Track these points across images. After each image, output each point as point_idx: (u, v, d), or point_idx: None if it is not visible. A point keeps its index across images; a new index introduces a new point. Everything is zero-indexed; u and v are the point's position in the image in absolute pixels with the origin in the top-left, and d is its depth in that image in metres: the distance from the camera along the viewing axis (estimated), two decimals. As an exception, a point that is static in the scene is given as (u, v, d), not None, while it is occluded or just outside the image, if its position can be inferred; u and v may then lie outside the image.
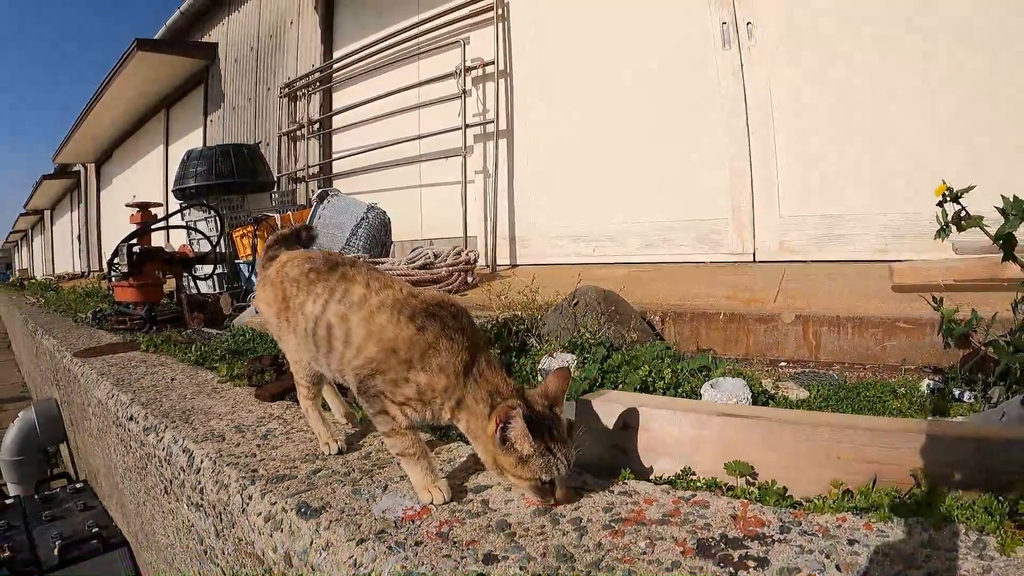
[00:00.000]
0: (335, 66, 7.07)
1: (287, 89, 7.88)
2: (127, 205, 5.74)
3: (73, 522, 2.89)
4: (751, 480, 1.06)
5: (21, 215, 34.72)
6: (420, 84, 5.88)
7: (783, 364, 2.33)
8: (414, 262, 4.22)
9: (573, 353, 2.25)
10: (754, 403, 1.68)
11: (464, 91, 5.25)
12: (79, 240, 20.33)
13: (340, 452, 1.36)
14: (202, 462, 1.43)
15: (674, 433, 1.15)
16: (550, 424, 1.05)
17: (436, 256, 4.50)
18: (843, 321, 2.31)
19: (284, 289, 1.35)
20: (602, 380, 1.94)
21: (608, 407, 1.24)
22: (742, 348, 2.45)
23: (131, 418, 1.94)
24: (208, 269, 6.73)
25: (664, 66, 4.29)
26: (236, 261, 6.55)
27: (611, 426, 1.22)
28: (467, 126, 5.24)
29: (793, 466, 1.05)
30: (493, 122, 5.13)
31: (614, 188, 4.51)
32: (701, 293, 3.02)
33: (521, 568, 0.84)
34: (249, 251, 6.39)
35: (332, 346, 1.22)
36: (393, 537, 0.95)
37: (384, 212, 5.14)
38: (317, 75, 7.38)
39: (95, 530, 2.71)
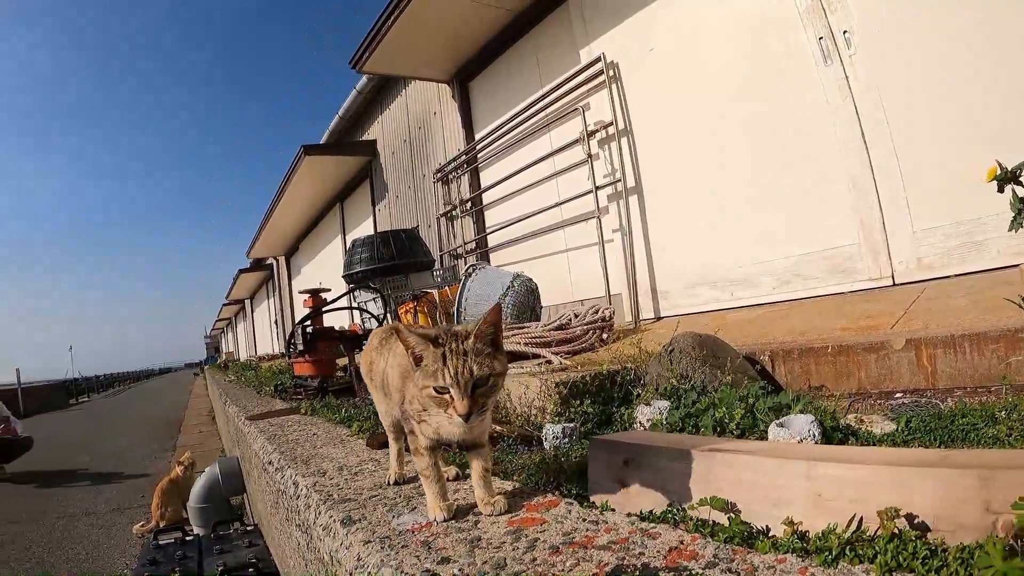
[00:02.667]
0: (477, 147, 7.66)
1: (439, 173, 8.58)
2: (299, 292, 6.51)
3: (237, 555, 3.47)
4: (734, 516, 1.14)
5: (224, 304, 39.79)
6: (553, 153, 6.26)
7: (898, 396, 2.25)
8: (550, 324, 4.48)
9: (669, 399, 2.39)
10: (827, 440, 1.73)
11: (590, 155, 5.55)
12: (275, 324, 22.74)
13: (396, 483, 1.66)
14: (301, 490, 1.82)
15: (670, 469, 1.28)
16: (450, 344, 1.25)
17: (575, 316, 4.73)
18: (958, 340, 2.20)
19: (370, 356, 1.68)
20: (683, 423, 2.07)
21: (614, 446, 1.40)
22: (854, 382, 2.41)
23: (270, 462, 2.42)
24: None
25: (771, 97, 4.31)
26: (402, 336, 7.15)
27: (617, 463, 1.38)
28: (597, 188, 5.51)
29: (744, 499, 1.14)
30: (621, 180, 5.37)
31: (741, 231, 4.55)
32: (818, 327, 3.00)
33: (460, 570, 1.06)
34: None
35: (388, 391, 1.53)
36: (390, 542, 1.23)
37: (530, 280, 5.46)
38: (463, 158, 8.01)
39: (252, 560, 3.20)
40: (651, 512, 1.21)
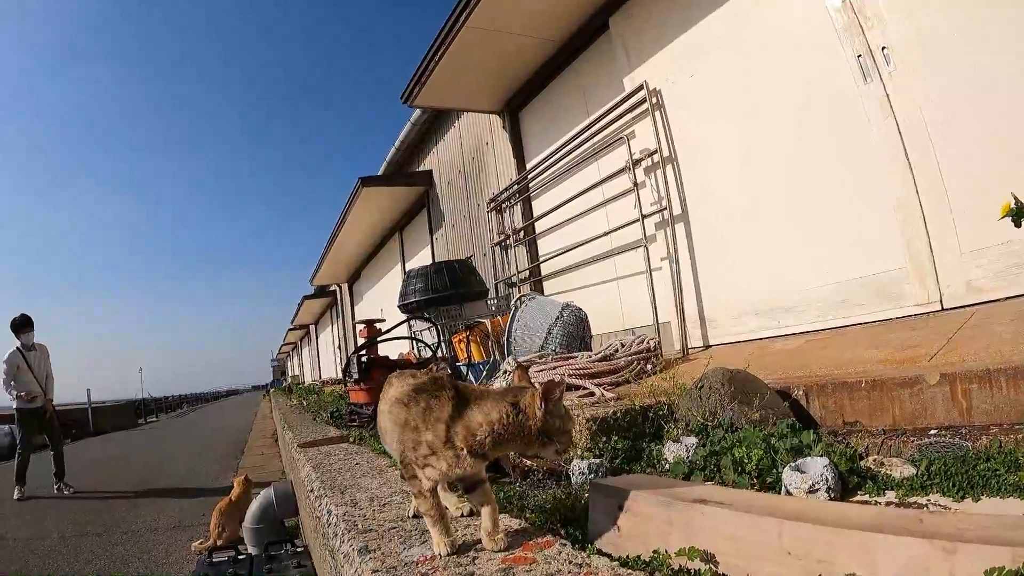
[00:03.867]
0: (529, 176, 7.77)
1: (492, 203, 8.72)
2: (355, 323, 6.68)
3: (286, 575, 3.61)
4: (711, 568, 1.19)
5: (289, 329, 41.03)
6: (601, 182, 6.32)
7: (932, 432, 2.19)
8: (595, 355, 4.51)
9: (698, 436, 2.40)
10: (843, 485, 1.73)
11: (636, 183, 5.58)
12: (338, 349, 23.31)
13: (415, 516, 1.73)
14: (332, 518, 1.93)
15: (657, 517, 1.32)
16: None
17: (621, 346, 4.75)
18: (994, 374, 2.12)
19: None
20: (705, 463, 2.08)
21: (611, 491, 1.45)
22: (888, 417, 2.36)
23: (311, 490, 2.57)
24: (431, 374, 7.52)
25: (812, 119, 4.27)
26: (457, 364, 7.26)
27: (613, 507, 1.42)
28: (644, 216, 5.53)
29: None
30: (667, 209, 5.38)
31: (786, 257, 4.49)
32: (857, 358, 2.95)
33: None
34: (465, 354, 7.08)
35: (386, 437, 1.62)
36: (395, 572, 1.33)
37: (579, 309, 5.51)
38: (515, 187, 8.13)
39: None
40: (638, 557, 1.25)
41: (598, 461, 2.37)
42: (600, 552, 1.35)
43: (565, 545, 1.37)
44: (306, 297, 26.78)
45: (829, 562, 1.02)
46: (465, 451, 1.39)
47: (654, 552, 1.23)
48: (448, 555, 1.39)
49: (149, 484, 8.76)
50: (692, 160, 5.29)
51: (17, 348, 8.50)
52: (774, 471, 1.89)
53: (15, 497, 7.93)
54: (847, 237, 4.09)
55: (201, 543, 5.08)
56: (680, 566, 1.19)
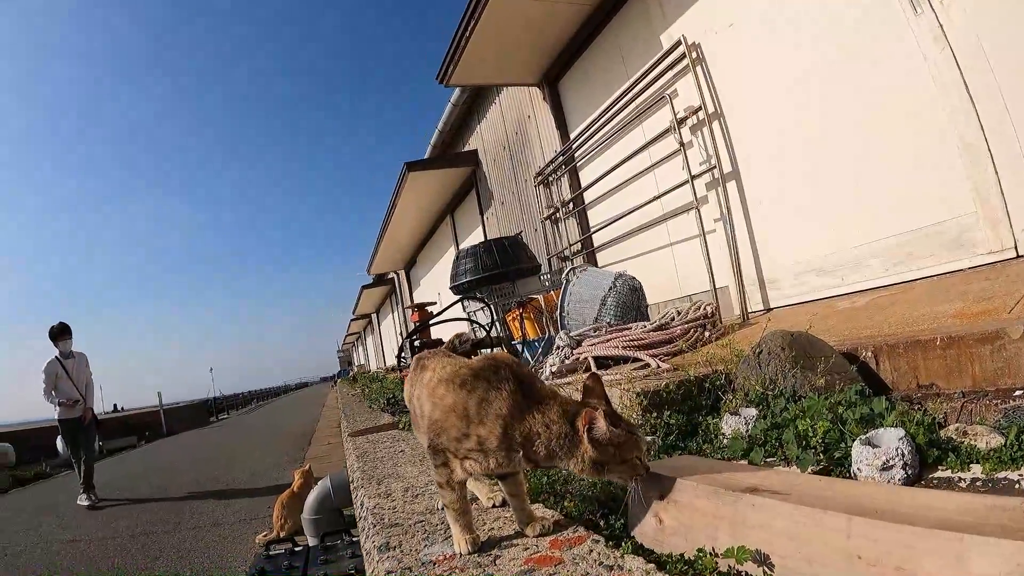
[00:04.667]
0: (573, 146, 7.56)
1: (539, 177, 8.54)
2: (405, 307, 6.65)
3: (340, 565, 3.60)
4: (765, 571, 1.03)
5: (352, 320, 41.75)
6: (647, 145, 6.08)
7: (1017, 393, 1.96)
8: (649, 325, 4.33)
9: (758, 407, 2.22)
10: (921, 460, 1.53)
11: (682, 143, 5.33)
12: (399, 336, 23.54)
13: (443, 509, 1.60)
14: (364, 511, 1.86)
15: (702, 509, 1.16)
16: (615, 415, 1.26)
17: (678, 314, 4.56)
18: None
19: (408, 384, 1.65)
20: (765, 437, 1.91)
21: (651, 477, 1.29)
22: (967, 379, 2.11)
23: (351, 480, 2.47)
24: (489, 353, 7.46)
25: (861, 58, 3.94)
26: (512, 342, 7.16)
27: (654, 496, 1.27)
28: (693, 177, 5.28)
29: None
30: (716, 167, 5.12)
31: (846, 209, 4.19)
32: (929, 313, 2.69)
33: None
34: (520, 332, 6.97)
35: (418, 420, 1.49)
36: (412, 572, 1.24)
37: (632, 278, 5.33)
38: (560, 159, 7.93)
39: (352, 571, 3.28)
40: (681, 556, 1.11)
41: (649, 439, 2.22)
42: (639, 549, 1.21)
43: (598, 542, 1.23)
44: (364, 287, 27.04)
45: (910, 571, 0.84)
46: (520, 455, 1.28)
47: (698, 551, 1.07)
48: (469, 554, 1.29)
49: (217, 480, 9.00)
50: (739, 114, 5.01)
51: (56, 357, 8.61)
52: (842, 445, 1.71)
53: (85, 504, 8.14)
54: (909, 184, 3.76)
55: (265, 535, 5.15)
56: (729, 568, 1.03)
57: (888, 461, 1.48)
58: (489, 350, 7.45)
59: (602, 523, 1.46)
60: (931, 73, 3.52)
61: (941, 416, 1.90)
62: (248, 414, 35.18)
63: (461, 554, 1.29)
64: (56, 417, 8.56)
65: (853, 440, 1.63)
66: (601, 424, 1.21)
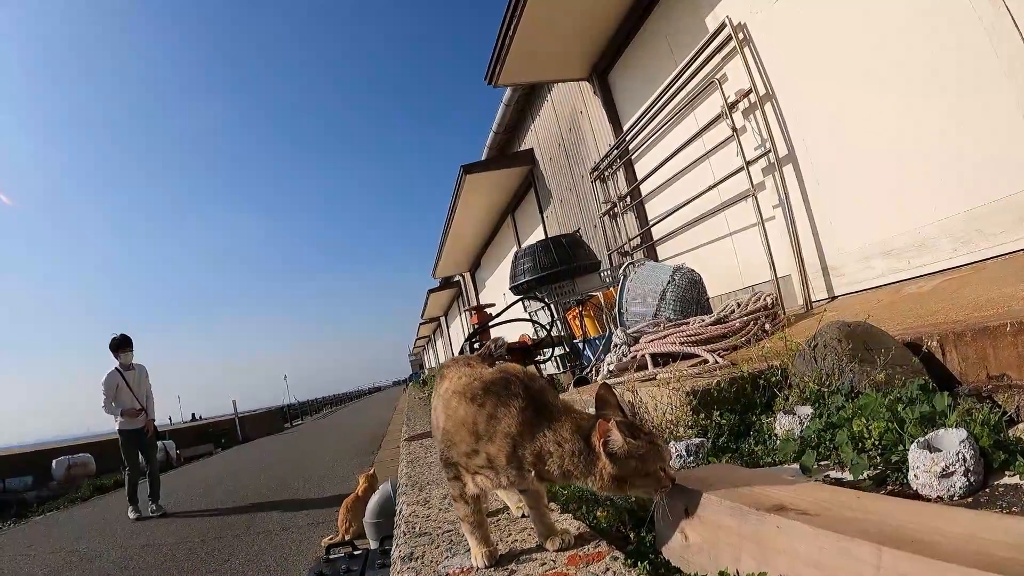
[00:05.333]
0: (627, 139, 7.41)
1: (595, 172, 8.41)
2: (464, 310, 6.61)
3: None
4: None
5: (420, 323, 42.32)
6: (700, 132, 5.89)
7: None
8: (708, 319, 4.18)
9: (813, 405, 2.07)
10: (987, 465, 1.37)
11: (735, 128, 5.13)
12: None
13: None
14: (400, 519, 1.84)
15: (724, 527, 1.05)
16: (633, 425, 1.18)
17: (738, 305, 4.39)
18: None
19: (433, 392, 1.60)
20: (819, 438, 1.77)
21: (676, 489, 1.18)
22: None
23: (396, 485, 2.42)
24: (550, 352, 7.39)
25: (923, 23, 3.66)
26: (574, 341, 7.06)
27: (680, 510, 1.16)
28: (748, 163, 5.08)
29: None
30: (771, 151, 4.90)
31: (910, 187, 3.91)
32: (1001, 296, 2.46)
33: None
34: (580, 330, 6.87)
35: (435, 431, 1.45)
36: None
37: (692, 271, 5.18)
38: (615, 152, 7.78)
39: None
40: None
41: (698, 441, 2.10)
42: (664, 567, 1.12)
43: (616, 559, 1.15)
44: (431, 290, 27.27)
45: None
46: (533, 474, 1.21)
47: (720, 574, 0.98)
48: (485, 567, 1.26)
49: (288, 485, 9.19)
50: (792, 94, 4.77)
51: (116, 368, 8.71)
52: (900, 448, 1.56)
53: (131, 517, 8.30)
54: (978, 155, 3.47)
55: (331, 538, 5.20)
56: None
57: (948, 467, 1.33)
58: (550, 350, 7.39)
59: (632, 536, 1.37)
60: (990, 35, 3.26)
61: (1012, 411, 1.72)
62: (322, 419, 36.01)
63: (477, 568, 1.27)
64: (117, 428, 8.66)
65: (911, 442, 1.48)
66: (617, 436, 1.13)
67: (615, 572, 1.10)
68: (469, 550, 1.34)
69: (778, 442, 1.96)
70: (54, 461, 14.91)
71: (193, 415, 43.58)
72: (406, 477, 2.48)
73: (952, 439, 1.40)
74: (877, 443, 1.59)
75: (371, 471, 5.82)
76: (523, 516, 1.56)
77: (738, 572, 0.97)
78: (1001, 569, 0.70)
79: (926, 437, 1.46)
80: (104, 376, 8.63)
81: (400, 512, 1.93)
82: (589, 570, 1.12)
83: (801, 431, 1.91)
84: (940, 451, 1.38)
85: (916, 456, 1.40)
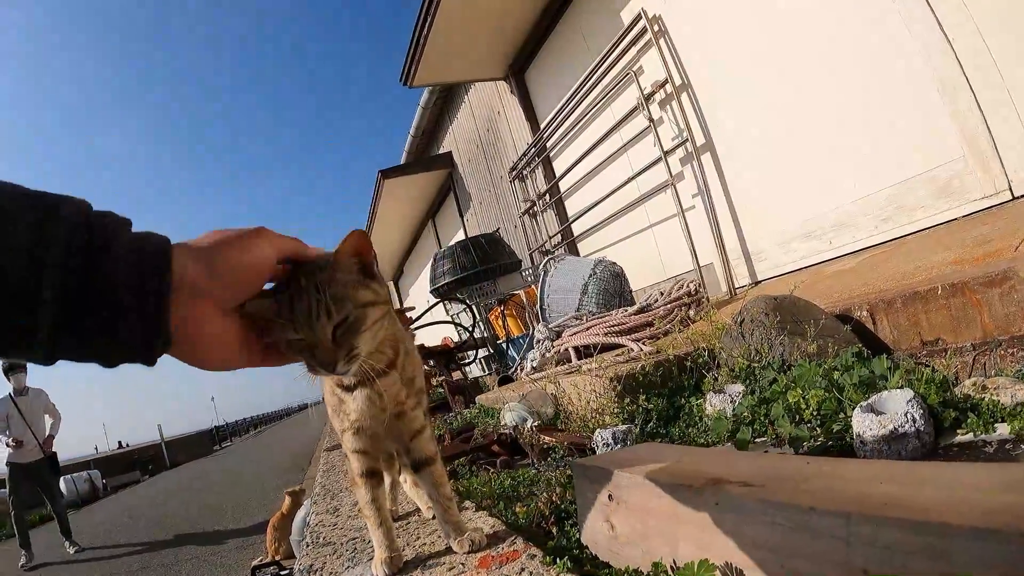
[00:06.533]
0: (545, 137, 7.29)
1: (514, 172, 8.27)
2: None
3: None
4: None
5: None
6: (616, 126, 5.82)
7: None
8: (631, 309, 4.07)
9: (744, 383, 1.95)
10: (937, 424, 1.26)
11: (651, 119, 5.06)
12: (413, 348, 23.45)
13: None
14: (307, 530, 1.68)
15: (657, 510, 0.87)
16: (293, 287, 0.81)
17: (661, 294, 4.31)
18: None
19: None
20: (753, 414, 1.63)
21: (597, 474, 1.01)
22: (976, 329, 1.85)
23: (312, 497, 2.25)
24: (473, 355, 7.21)
25: (829, 7, 3.69)
26: (498, 341, 6.90)
27: (603, 498, 0.99)
28: (666, 153, 5.02)
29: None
30: (688, 140, 4.85)
31: (828, 168, 3.90)
32: (927, 264, 2.41)
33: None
34: (503, 330, 6.70)
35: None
36: None
37: (614, 264, 5.08)
38: (532, 150, 7.66)
39: None
40: (635, 572, 0.82)
41: (624, 428, 1.95)
42: (588, 562, 0.94)
43: (534, 558, 0.97)
44: (353, 303, 26.79)
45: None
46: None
47: (654, 566, 0.79)
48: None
49: (217, 508, 8.77)
50: (707, 83, 4.74)
51: (9, 395, 7.85)
52: (841, 415, 1.43)
53: (20, 565, 7.48)
54: (894, 133, 3.47)
55: (260, 559, 4.92)
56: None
57: (897, 429, 1.19)
58: (474, 352, 7.20)
59: (555, 530, 1.19)
60: (897, 16, 3.26)
61: (952, 374, 1.63)
62: (251, 439, 35.12)
63: None
64: (5, 460, 7.82)
65: (853, 409, 1.35)
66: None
67: (531, 572, 0.91)
68: (369, 559, 1.16)
69: (710, 422, 1.82)
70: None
71: (119, 443, 41.79)
72: (320, 487, 2.26)
73: (898, 400, 1.27)
74: (816, 413, 1.46)
75: (297, 488, 5.52)
76: (434, 517, 1.37)
77: (675, 562, 0.79)
78: (1011, 512, 0.54)
79: (869, 401, 1.33)
80: None
81: (308, 523, 1.73)
82: (502, 572, 0.93)
83: (733, 409, 1.78)
84: (886, 413, 1.25)
85: (861, 421, 1.26)
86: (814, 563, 0.62)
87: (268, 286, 0.76)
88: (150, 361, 0.58)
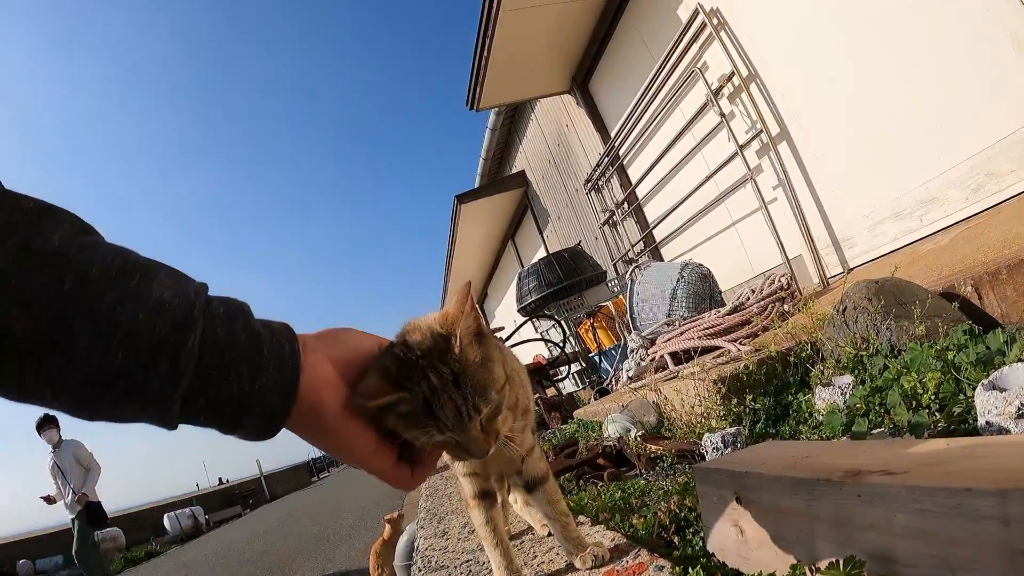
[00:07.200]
0: (615, 145, 7.27)
1: (588, 183, 8.28)
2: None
3: None
4: None
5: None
6: (688, 125, 5.75)
7: None
8: (723, 310, 4.01)
9: (852, 373, 1.89)
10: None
11: (723, 114, 4.99)
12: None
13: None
14: (417, 554, 1.69)
15: (788, 509, 0.84)
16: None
17: (752, 292, 4.22)
18: None
19: None
20: (867, 405, 1.58)
21: (721, 476, 0.99)
22: None
23: (418, 521, 2.26)
24: (566, 370, 7.22)
25: None
26: (590, 354, 6.88)
27: (728, 499, 0.97)
28: (741, 147, 4.93)
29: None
30: (763, 131, 4.74)
31: (911, 143, 3.73)
32: None
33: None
34: (595, 343, 6.68)
35: None
36: None
37: (700, 265, 5.02)
38: (605, 160, 7.65)
39: None
40: (770, 576, 0.81)
41: (734, 430, 1.92)
42: (717, 572, 0.93)
43: (662, 568, 0.96)
44: (440, 329, 27.09)
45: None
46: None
47: (791, 568, 0.78)
48: None
49: (318, 537, 9.01)
50: (776, 69, 4.64)
51: (51, 451, 7.90)
52: (961, 397, 1.38)
53: None
54: (975, 98, 3.31)
55: (364, 586, 5.04)
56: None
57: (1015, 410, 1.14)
58: (566, 367, 7.20)
59: (677, 540, 1.19)
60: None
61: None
62: (348, 469, 35.97)
63: None
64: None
65: (974, 388, 1.30)
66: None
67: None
68: None
69: (821, 417, 1.77)
70: (82, 539, 14.82)
71: (220, 479, 43.69)
72: (425, 511, 2.31)
73: (1021, 373, 1.21)
74: (933, 397, 1.41)
75: (396, 515, 5.64)
76: (549, 535, 1.38)
77: (815, 563, 0.78)
78: None
79: (990, 378, 1.27)
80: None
81: (417, 548, 1.76)
82: (628, 588, 0.94)
83: (845, 401, 1.73)
84: (1010, 389, 1.20)
85: (985, 399, 1.21)
86: (971, 548, 0.60)
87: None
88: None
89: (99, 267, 0.52)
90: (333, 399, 0.66)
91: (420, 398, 0.70)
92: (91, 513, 7.83)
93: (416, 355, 0.72)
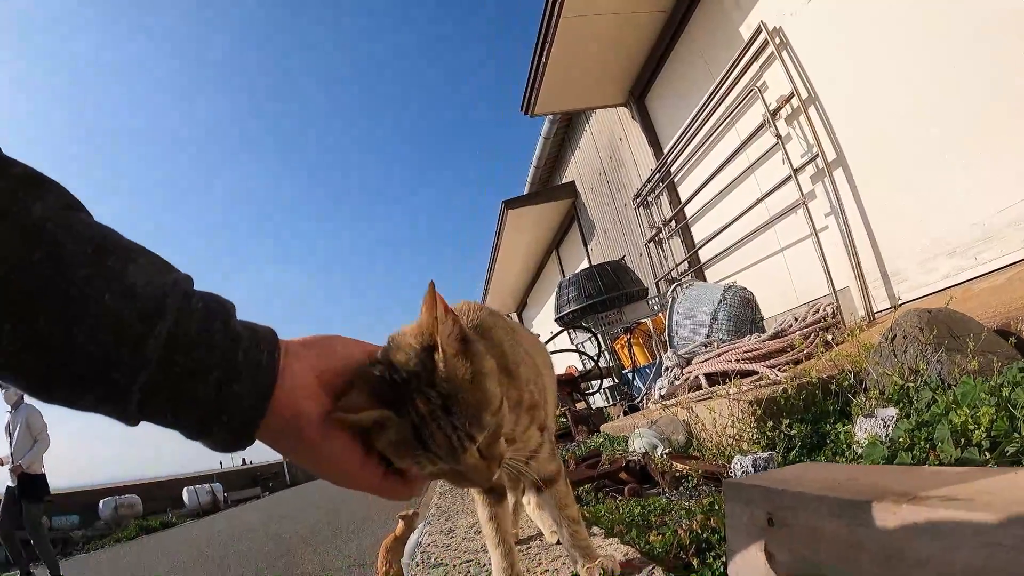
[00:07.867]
0: (668, 161, 7.18)
1: (637, 199, 8.20)
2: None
3: None
4: None
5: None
6: (742, 146, 5.64)
7: None
8: (764, 335, 3.92)
9: (898, 405, 1.80)
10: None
11: (779, 136, 4.88)
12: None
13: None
14: (419, 548, 1.68)
15: (828, 532, 0.77)
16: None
17: (795, 320, 4.12)
18: None
19: None
20: (912, 439, 1.50)
21: (754, 494, 0.92)
22: None
23: (427, 518, 2.24)
24: (598, 384, 7.13)
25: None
26: (624, 371, 6.79)
27: (760, 521, 0.90)
28: (795, 171, 4.81)
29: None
30: (819, 156, 4.62)
31: (970, 177, 3.59)
32: None
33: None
34: (629, 359, 6.59)
35: None
36: None
37: (743, 289, 4.93)
38: (656, 177, 7.57)
39: None
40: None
41: (766, 455, 1.85)
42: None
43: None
44: (478, 334, 27.18)
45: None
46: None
47: None
48: None
49: (331, 527, 9.01)
50: (836, 93, 4.52)
51: (8, 409, 7.43)
52: (1015, 435, 1.30)
53: None
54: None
55: (369, 580, 5.02)
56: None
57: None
58: (598, 381, 7.12)
59: (695, 562, 1.12)
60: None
61: None
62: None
63: None
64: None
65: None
66: None
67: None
68: None
69: (861, 449, 1.69)
70: (101, 501, 15.32)
71: (243, 460, 44.28)
72: (436, 508, 2.29)
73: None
74: (985, 434, 1.33)
75: (410, 512, 5.62)
76: (558, 543, 1.32)
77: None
78: None
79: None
80: None
81: (419, 543, 1.73)
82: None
83: (887, 434, 1.65)
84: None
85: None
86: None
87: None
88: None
89: (74, 244, 0.50)
90: (314, 410, 0.62)
91: (409, 425, 0.65)
92: (24, 486, 7.24)
93: (402, 377, 0.66)
